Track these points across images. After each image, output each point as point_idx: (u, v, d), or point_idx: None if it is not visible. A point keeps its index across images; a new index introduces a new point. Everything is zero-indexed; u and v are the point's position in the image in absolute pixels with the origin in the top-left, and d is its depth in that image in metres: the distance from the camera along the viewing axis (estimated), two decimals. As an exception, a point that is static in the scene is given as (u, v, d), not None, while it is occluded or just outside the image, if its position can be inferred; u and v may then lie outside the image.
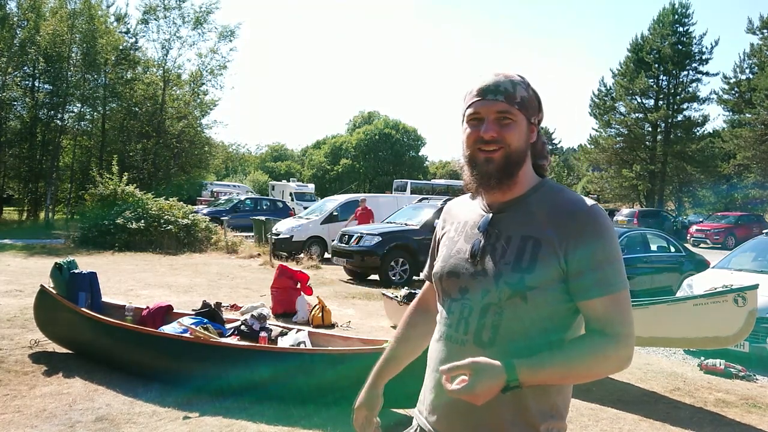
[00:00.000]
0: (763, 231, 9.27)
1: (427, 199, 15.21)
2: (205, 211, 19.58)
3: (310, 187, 38.03)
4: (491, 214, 1.39)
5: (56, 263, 5.42)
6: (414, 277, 11.14)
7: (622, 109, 38.63)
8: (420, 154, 60.56)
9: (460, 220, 1.46)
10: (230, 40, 27.67)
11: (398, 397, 4.14)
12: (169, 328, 4.99)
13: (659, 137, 38.03)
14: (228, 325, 5.53)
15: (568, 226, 1.28)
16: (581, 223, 1.28)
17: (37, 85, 24.08)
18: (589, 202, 1.33)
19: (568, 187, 1.42)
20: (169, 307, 5.61)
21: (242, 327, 5.44)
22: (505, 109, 1.33)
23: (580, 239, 1.27)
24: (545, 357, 1.23)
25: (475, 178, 1.36)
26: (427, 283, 1.64)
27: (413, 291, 7.00)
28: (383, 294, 7.33)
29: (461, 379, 1.20)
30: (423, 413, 1.42)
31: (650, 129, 38.78)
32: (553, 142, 62.32)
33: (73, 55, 23.24)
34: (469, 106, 1.37)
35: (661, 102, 37.82)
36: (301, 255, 13.48)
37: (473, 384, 1.18)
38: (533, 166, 1.42)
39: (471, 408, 1.26)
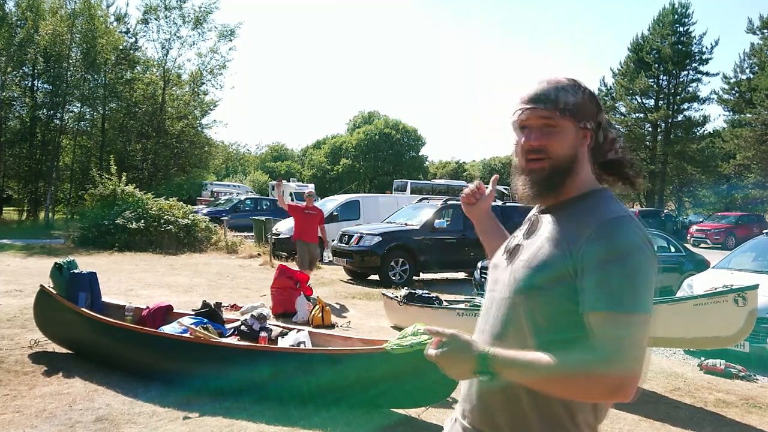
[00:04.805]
0: (763, 231, 9.26)
1: (427, 199, 15.21)
2: (205, 211, 19.58)
3: (311, 187, 38.04)
4: (536, 214, 1.43)
5: (56, 263, 5.41)
6: (414, 277, 11.14)
7: (623, 109, 38.66)
8: (420, 154, 60.60)
9: (526, 220, 1.52)
10: (230, 40, 27.74)
11: (398, 397, 4.16)
12: (169, 328, 4.99)
13: (659, 137, 38.05)
14: (228, 325, 5.53)
15: (585, 234, 1.24)
16: (598, 232, 1.23)
17: (36, 84, 24.11)
18: (619, 213, 1.27)
19: None
20: (169, 307, 5.61)
21: (242, 327, 5.44)
22: (547, 116, 1.33)
23: (591, 248, 1.22)
24: (527, 356, 1.20)
25: (525, 187, 1.39)
26: None
27: (413, 291, 6.99)
28: (383, 294, 7.32)
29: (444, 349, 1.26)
30: (459, 400, 1.49)
31: (650, 129, 38.82)
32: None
33: (72, 55, 23.25)
34: (515, 114, 1.39)
35: (661, 102, 37.84)
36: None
37: (441, 353, 1.25)
38: (603, 166, 1.41)
39: (487, 402, 1.34)
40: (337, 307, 8.16)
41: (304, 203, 9.37)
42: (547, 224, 1.36)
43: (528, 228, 1.42)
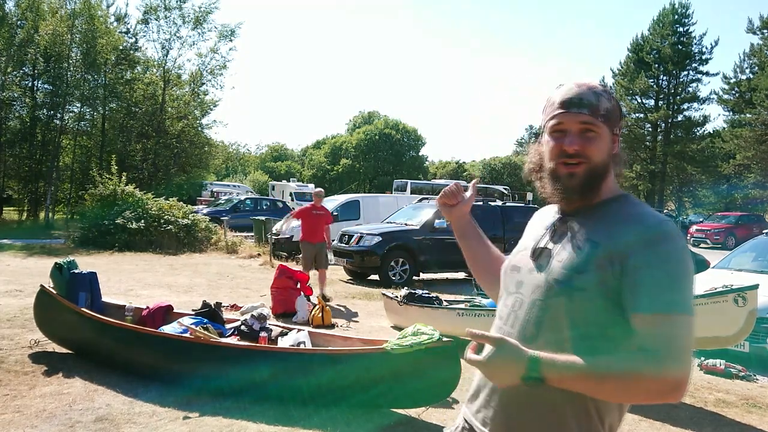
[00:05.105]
0: (763, 231, 9.26)
1: (427, 199, 15.21)
2: (205, 211, 19.58)
3: (311, 188, 38.02)
4: (561, 216, 1.42)
5: (56, 263, 5.41)
6: (414, 277, 11.14)
7: (623, 109, 38.68)
8: (420, 154, 60.57)
9: (540, 223, 1.49)
10: (230, 40, 27.78)
11: (398, 397, 4.16)
12: (169, 328, 4.99)
13: (659, 137, 38.13)
14: (228, 325, 5.53)
15: (629, 237, 1.25)
16: (644, 235, 1.24)
17: (36, 85, 24.13)
18: (661, 217, 1.28)
19: None
20: (169, 307, 5.61)
21: (242, 327, 5.44)
22: (589, 121, 1.32)
23: (637, 251, 1.22)
24: (575, 360, 1.18)
25: (558, 192, 1.37)
26: None
27: (413, 291, 6.99)
28: (383, 294, 7.32)
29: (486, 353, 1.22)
30: (467, 401, 1.46)
31: (650, 129, 38.90)
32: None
33: (72, 55, 23.26)
34: (551, 118, 1.36)
35: (661, 102, 37.92)
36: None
37: (489, 358, 1.21)
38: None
39: (516, 408, 1.30)
40: (342, 310, 8.16)
41: (311, 203, 9.08)
42: (579, 227, 1.35)
43: (553, 232, 1.40)
